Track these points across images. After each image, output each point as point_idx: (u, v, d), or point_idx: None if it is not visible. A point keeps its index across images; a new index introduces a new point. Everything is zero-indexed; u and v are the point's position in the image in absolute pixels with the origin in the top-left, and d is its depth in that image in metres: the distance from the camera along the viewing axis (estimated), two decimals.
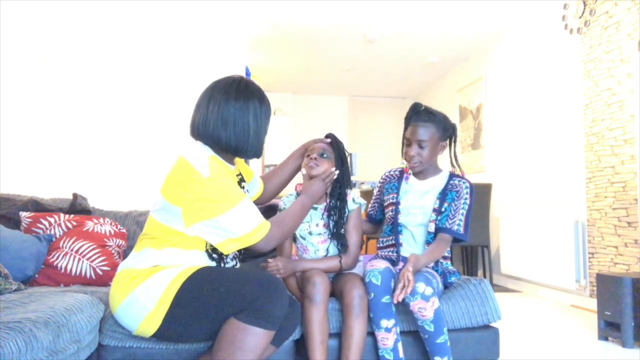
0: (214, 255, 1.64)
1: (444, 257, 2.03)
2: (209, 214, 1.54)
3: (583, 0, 4.01)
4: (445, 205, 1.99)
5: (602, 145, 3.78)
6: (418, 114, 2.00)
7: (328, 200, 1.96)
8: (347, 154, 1.99)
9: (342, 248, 1.93)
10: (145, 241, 1.62)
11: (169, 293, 1.50)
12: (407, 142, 2.02)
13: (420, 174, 2.08)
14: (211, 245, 1.62)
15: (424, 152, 1.98)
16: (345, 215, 1.94)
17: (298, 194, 2.02)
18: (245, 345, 1.43)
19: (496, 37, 5.52)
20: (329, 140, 1.96)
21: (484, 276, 5.34)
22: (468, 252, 5.54)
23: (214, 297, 1.49)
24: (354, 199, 1.98)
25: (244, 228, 1.56)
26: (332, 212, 1.93)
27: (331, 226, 1.93)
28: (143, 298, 1.52)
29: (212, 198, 1.54)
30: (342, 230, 1.93)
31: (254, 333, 1.44)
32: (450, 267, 2.05)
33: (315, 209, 1.98)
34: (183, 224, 1.56)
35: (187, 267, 1.55)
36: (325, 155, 1.92)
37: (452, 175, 2.06)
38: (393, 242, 2.06)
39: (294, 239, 2.03)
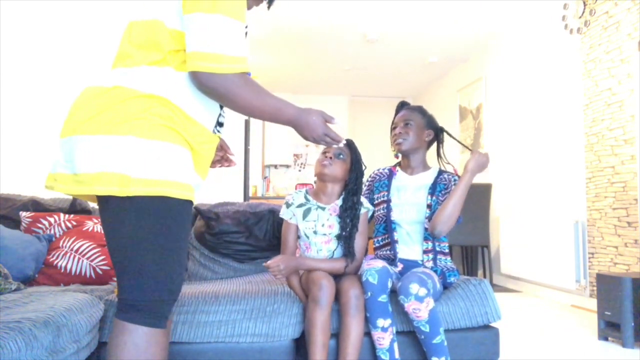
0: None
1: (444, 254, 2.05)
2: (200, 5, 1.23)
3: (583, 0, 4.01)
4: (434, 198, 2.03)
5: (602, 145, 3.78)
6: (406, 106, 2.20)
7: (341, 204, 1.98)
8: (363, 166, 2.02)
9: (349, 253, 1.94)
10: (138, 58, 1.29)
11: (154, 184, 1.21)
12: (394, 127, 2.16)
13: (408, 169, 2.14)
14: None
15: (410, 131, 2.10)
16: (358, 220, 1.97)
17: (307, 191, 2.03)
18: (139, 348, 1.22)
19: (496, 37, 5.52)
20: (345, 142, 1.94)
21: (484, 276, 5.34)
22: (468, 252, 5.54)
23: (142, 242, 1.22)
24: (362, 203, 2.01)
25: (226, 47, 1.23)
26: (345, 215, 1.95)
27: (342, 228, 1.94)
28: (146, 155, 1.21)
29: None
30: (354, 236, 1.95)
31: (143, 333, 1.23)
32: (449, 264, 2.06)
33: (323, 209, 1.99)
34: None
35: (185, 180, 1.25)
36: (341, 156, 1.96)
37: (441, 172, 2.13)
38: (388, 240, 2.07)
39: (298, 236, 2.04)
